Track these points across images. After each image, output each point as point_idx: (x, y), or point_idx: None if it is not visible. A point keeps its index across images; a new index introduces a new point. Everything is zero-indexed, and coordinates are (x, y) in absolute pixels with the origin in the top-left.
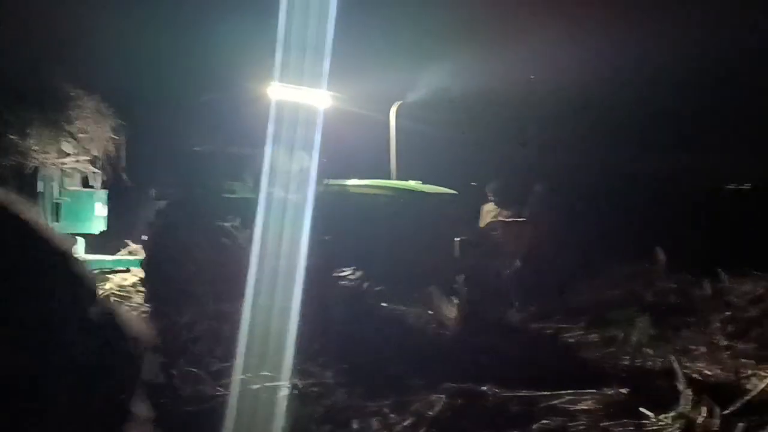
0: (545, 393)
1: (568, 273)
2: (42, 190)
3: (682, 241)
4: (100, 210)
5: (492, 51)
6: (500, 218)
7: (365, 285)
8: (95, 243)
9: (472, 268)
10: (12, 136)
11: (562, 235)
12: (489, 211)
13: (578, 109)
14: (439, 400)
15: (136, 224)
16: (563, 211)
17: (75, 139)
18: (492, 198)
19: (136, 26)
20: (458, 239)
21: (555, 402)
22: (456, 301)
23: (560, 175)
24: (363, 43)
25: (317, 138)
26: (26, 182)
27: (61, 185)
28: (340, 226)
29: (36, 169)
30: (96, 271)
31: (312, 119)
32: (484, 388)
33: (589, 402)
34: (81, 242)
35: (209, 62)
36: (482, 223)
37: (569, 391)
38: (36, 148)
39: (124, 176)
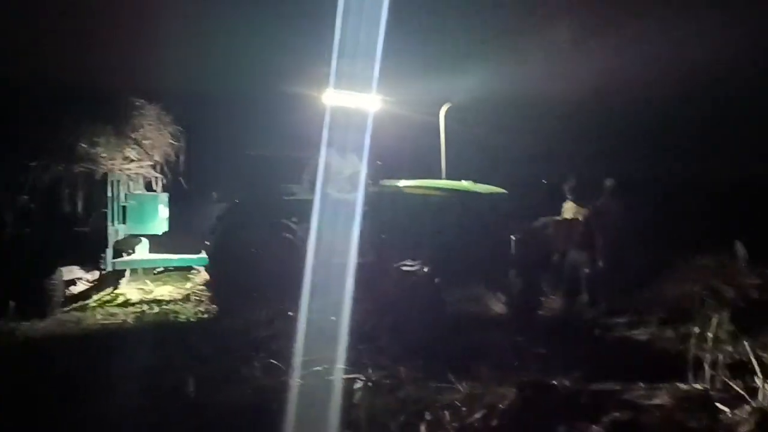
0: (617, 387)
1: (642, 268)
2: (110, 195)
3: (762, 236)
4: (163, 212)
5: (545, 53)
6: (577, 214)
7: (432, 276)
8: (158, 243)
9: (525, 263)
10: (83, 145)
11: (635, 230)
12: (568, 209)
13: (639, 109)
14: (509, 393)
15: (196, 225)
16: (635, 206)
17: (139, 146)
18: (569, 196)
19: (194, 38)
20: (513, 237)
21: (627, 396)
22: (504, 296)
23: (629, 170)
24: (413, 48)
25: (369, 140)
26: (96, 187)
27: (127, 189)
28: (396, 224)
29: (105, 175)
30: (161, 270)
31: (363, 123)
32: (554, 381)
33: (663, 397)
34: (145, 242)
35: (266, 70)
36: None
37: (642, 386)
38: (104, 155)
39: (182, 180)
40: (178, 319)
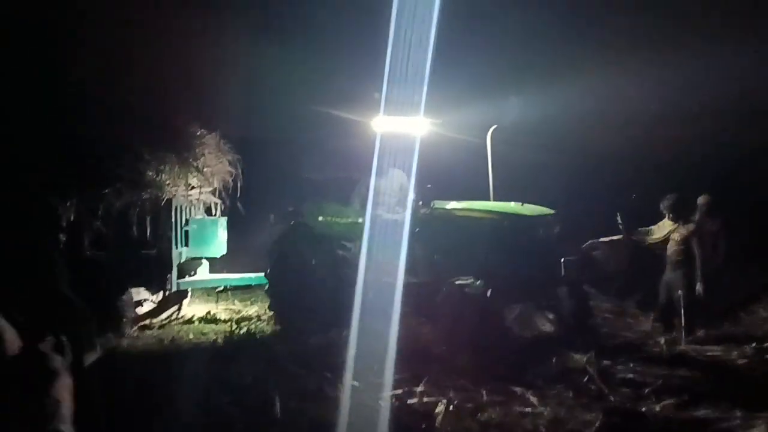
0: (712, 416)
1: (740, 289)
2: (174, 220)
3: None
4: (222, 235)
5: (594, 74)
6: (676, 233)
7: (489, 292)
8: (217, 263)
9: (575, 285)
10: (150, 173)
11: (731, 250)
12: (664, 227)
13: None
14: (595, 419)
15: (252, 246)
16: (730, 225)
17: (200, 173)
18: (669, 214)
19: (251, 67)
20: (563, 259)
21: (723, 425)
22: (551, 316)
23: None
24: (461, 72)
25: (417, 163)
26: (162, 213)
27: (189, 214)
28: (447, 246)
29: (170, 201)
30: (221, 288)
31: (412, 146)
32: (643, 408)
33: (762, 427)
34: (206, 264)
35: (317, 97)
36: (656, 239)
37: (739, 414)
38: (169, 182)
39: (239, 204)
40: (258, 337)
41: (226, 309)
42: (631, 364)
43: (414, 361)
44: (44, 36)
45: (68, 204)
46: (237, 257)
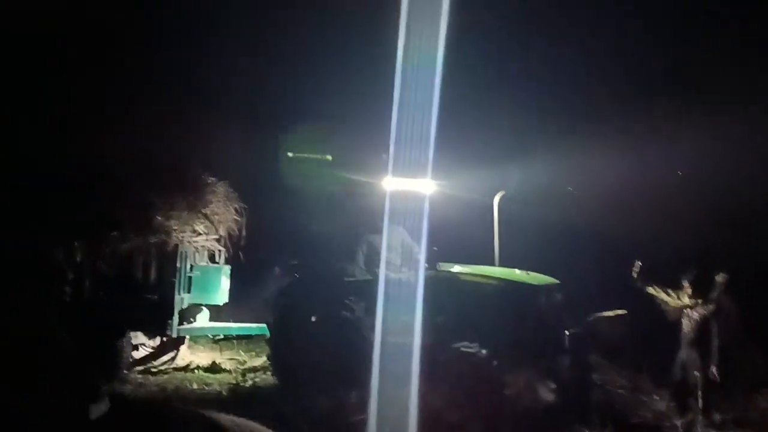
0: None
1: (758, 371)
2: (179, 265)
3: None
4: (225, 284)
5: (605, 145)
6: (694, 311)
7: (494, 362)
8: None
9: (579, 356)
10: (159, 218)
11: (747, 331)
12: (680, 300)
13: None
14: None
15: (253, 296)
16: (747, 305)
17: (208, 220)
18: (690, 290)
19: (263, 123)
20: (567, 332)
21: None
22: (554, 386)
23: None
24: (469, 137)
25: (425, 224)
26: (168, 258)
27: (193, 261)
28: (451, 309)
29: (176, 247)
30: (221, 337)
31: (419, 207)
32: None
33: None
34: (206, 311)
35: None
36: (674, 315)
37: None
38: (176, 228)
39: (241, 254)
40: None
41: (230, 359)
42: None
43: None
44: (58, 83)
45: (75, 245)
46: (237, 306)
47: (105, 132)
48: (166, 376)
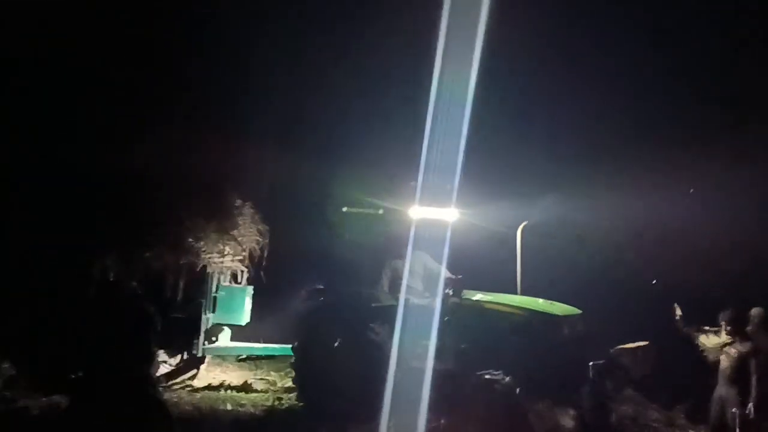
0: None
1: None
2: (206, 286)
3: None
4: (248, 304)
5: (634, 178)
6: (732, 348)
7: (518, 390)
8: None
9: (599, 388)
10: (190, 240)
11: None
12: (717, 338)
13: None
14: None
15: (274, 317)
16: None
17: (234, 242)
18: (726, 327)
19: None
20: (591, 363)
21: None
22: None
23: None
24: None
25: (448, 252)
26: (197, 279)
27: (218, 281)
28: (475, 336)
29: (204, 267)
30: (243, 357)
31: (444, 235)
32: None
33: None
34: (227, 331)
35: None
36: (711, 355)
37: None
38: (205, 249)
39: (263, 274)
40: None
41: (261, 379)
42: None
43: None
44: (94, 104)
45: (109, 263)
46: (257, 327)
47: (142, 152)
48: (199, 396)
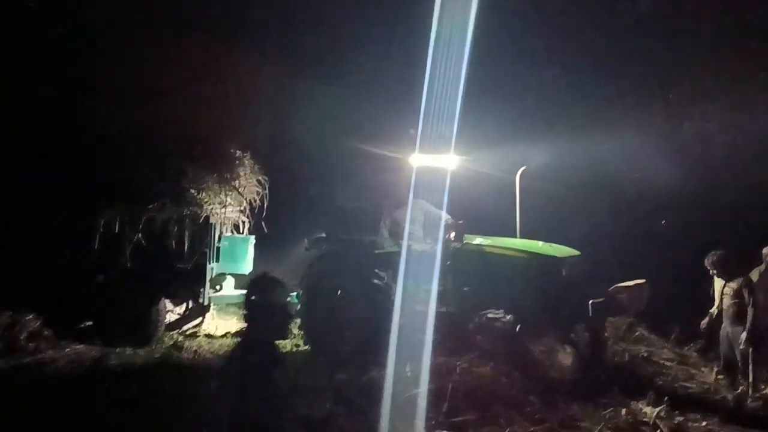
0: None
1: None
2: (210, 236)
3: None
4: (251, 253)
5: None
6: (727, 287)
7: (518, 328)
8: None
9: (597, 325)
10: (192, 191)
11: None
12: (716, 285)
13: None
14: None
15: (276, 266)
16: None
17: (235, 192)
18: (713, 271)
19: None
20: (591, 301)
21: None
22: (571, 349)
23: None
24: (493, 111)
25: (448, 198)
26: (200, 229)
27: (219, 231)
28: (477, 279)
29: (207, 218)
30: None
31: (444, 182)
32: None
33: None
34: (230, 280)
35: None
36: (717, 297)
37: None
38: (207, 200)
39: (263, 224)
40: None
41: None
42: (704, 423)
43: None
44: (93, 58)
45: (114, 216)
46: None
47: (143, 106)
48: (217, 343)
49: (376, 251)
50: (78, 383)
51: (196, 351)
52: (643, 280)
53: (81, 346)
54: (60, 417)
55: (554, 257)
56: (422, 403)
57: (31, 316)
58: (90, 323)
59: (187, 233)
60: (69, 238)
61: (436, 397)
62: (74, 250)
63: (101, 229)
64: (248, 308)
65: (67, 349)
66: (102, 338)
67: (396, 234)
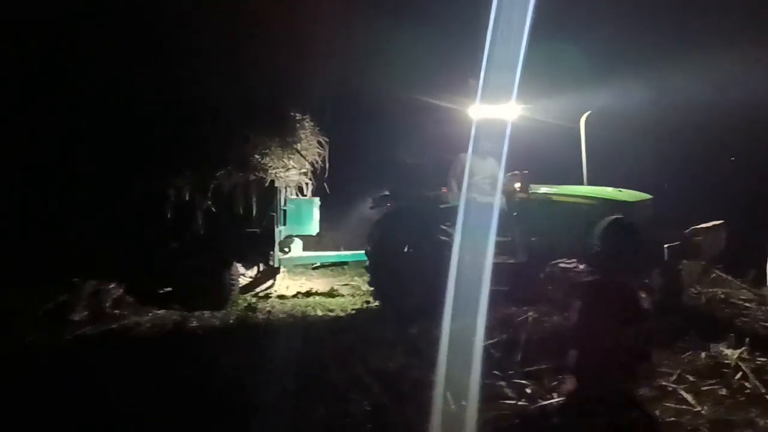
0: None
1: None
2: (276, 200)
3: None
4: (316, 215)
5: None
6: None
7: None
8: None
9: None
10: (256, 156)
11: None
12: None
13: None
14: (758, 420)
15: (342, 226)
16: None
17: (300, 155)
18: None
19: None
20: (666, 245)
21: None
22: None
23: None
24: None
25: (512, 148)
26: (267, 194)
27: (285, 194)
28: (545, 229)
29: (272, 182)
30: (317, 265)
31: (507, 132)
32: None
33: None
34: (298, 242)
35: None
36: None
37: None
38: (271, 164)
39: (326, 185)
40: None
41: (345, 285)
42: None
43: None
44: (157, 32)
45: (184, 185)
46: (327, 236)
47: (208, 74)
48: (289, 304)
49: (441, 206)
50: (162, 345)
51: (269, 312)
52: (720, 222)
53: (161, 311)
54: (148, 378)
55: (625, 201)
56: (495, 353)
57: (113, 285)
58: (169, 289)
59: (254, 198)
60: (145, 208)
61: (509, 347)
62: (150, 220)
63: (173, 198)
64: None
65: (149, 315)
66: (180, 303)
67: (461, 187)
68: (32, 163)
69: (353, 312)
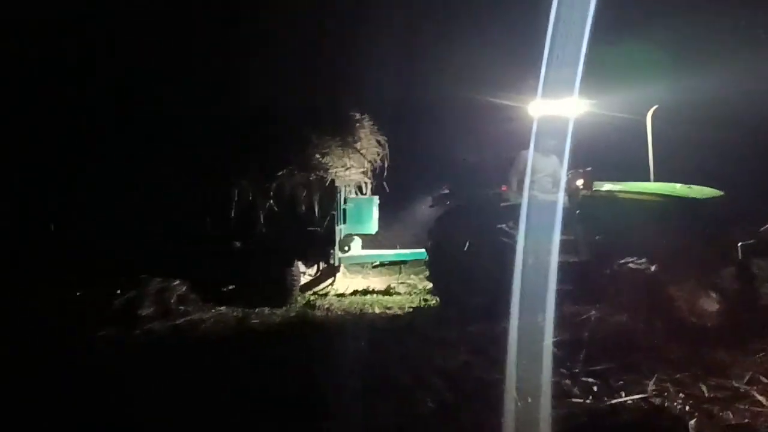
0: None
1: None
2: (336, 199)
3: None
4: (375, 214)
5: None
6: None
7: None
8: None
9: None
10: (317, 155)
11: None
12: None
13: None
14: None
15: (399, 225)
16: None
17: (359, 154)
18: None
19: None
20: (740, 243)
21: None
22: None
23: None
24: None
25: (575, 145)
26: (327, 193)
27: (345, 194)
28: (610, 227)
29: (333, 182)
30: (377, 264)
31: (569, 128)
32: None
33: None
34: (358, 240)
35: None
36: None
37: None
38: (331, 164)
39: (385, 184)
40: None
41: (402, 283)
42: None
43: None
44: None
45: (247, 186)
46: (385, 235)
47: (272, 76)
48: (347, 301)
49: (502, 204)
50: (227, 341)
51: (328, 309)
52: None
53: (223, 308)
54: (214, 371)
55: (693, 199)
56: (559, 352)
57: (178, 282)
58: (232, 287)
59: (315, 198)
60: (209, 209)
61: (572, 346)
62: (214, 220)
63: (236, 198)
64: None
65: (213, 311)
66: (243, 300)
67: (522, 185)
68: (112, 167)
69: (410, 310)
